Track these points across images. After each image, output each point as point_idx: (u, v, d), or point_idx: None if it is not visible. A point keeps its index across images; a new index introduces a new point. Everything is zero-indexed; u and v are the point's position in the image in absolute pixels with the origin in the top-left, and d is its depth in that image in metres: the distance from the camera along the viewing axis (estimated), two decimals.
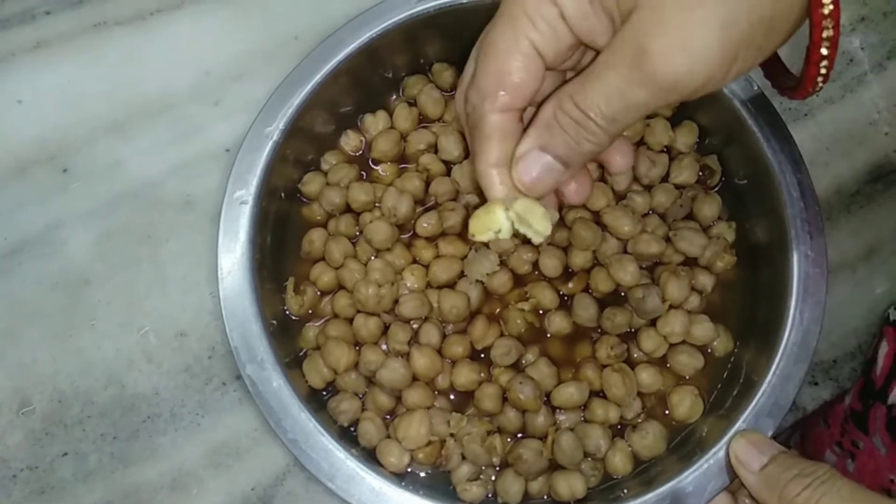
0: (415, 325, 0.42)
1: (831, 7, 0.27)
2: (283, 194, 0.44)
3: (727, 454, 0.37)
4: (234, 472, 0.43)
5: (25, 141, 0.48)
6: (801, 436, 0.47)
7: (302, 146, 0.44)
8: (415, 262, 0.43)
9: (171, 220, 0.47)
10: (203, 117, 0.48)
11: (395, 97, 0.47)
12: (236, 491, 0.43)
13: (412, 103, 0.46)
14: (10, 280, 0.46)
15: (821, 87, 0.30)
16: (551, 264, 0.42)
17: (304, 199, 0.45)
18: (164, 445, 0.44)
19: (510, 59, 0.29)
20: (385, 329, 0.42)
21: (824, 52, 0.28)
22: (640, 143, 0.44)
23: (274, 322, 0.40)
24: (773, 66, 0.33)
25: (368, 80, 0.45)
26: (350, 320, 0.42)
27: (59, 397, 0.44)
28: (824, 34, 0.27)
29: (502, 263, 0.42)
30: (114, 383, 0.44)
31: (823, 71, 0.29)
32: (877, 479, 0.42)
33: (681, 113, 0.45)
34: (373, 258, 0.42)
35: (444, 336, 0.42)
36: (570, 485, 0.39)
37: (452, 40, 0.45)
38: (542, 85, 0.30)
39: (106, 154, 0.48)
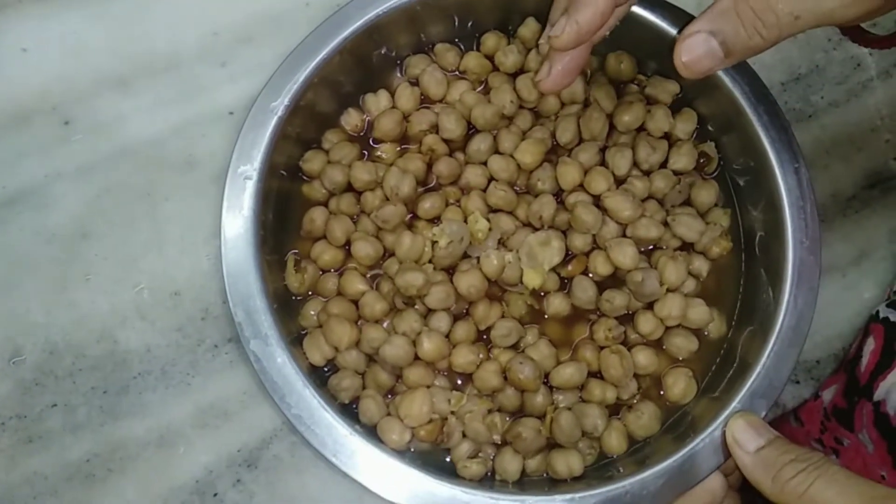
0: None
1: None
2: (284, 172, 0.43)
3: (723, 434, 0.38)
4: (221, 432, 0.44)
5: (29, 90, 0.47)
6: None
7: (304, 123, 0.43)
8: None
9: (172, 179, 0.47)
10: (209, 78, 0.48)
11: (397, 76, 0.46)
12: (223, 451, 0.44)
13: (414, 83, 0.45)
14: (7, 230, 0.46)
15: None
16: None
17: (305, 178, 0.45)
18: (153, 402, 0.44)
19: None
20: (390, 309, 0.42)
21: None
22: (641, 129, 0.44)
23: (275, 303, 0.40)
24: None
25: (370, 58, 0.44)
26: (354, 301, 0.42)
27: (51, 349, 0.44)
28: None
29: (502, 245, 0.42)
30: (106, 338, 0.45)
31: None
32: (865, 475, 0.43)
33: (681, 100, 0.45)
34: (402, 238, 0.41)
35: (453, 320, 0.42)
36: (568, 463, 0.39)
37: (457, 22, 0.45)
38: None
39: (109, 108, 0.47)
